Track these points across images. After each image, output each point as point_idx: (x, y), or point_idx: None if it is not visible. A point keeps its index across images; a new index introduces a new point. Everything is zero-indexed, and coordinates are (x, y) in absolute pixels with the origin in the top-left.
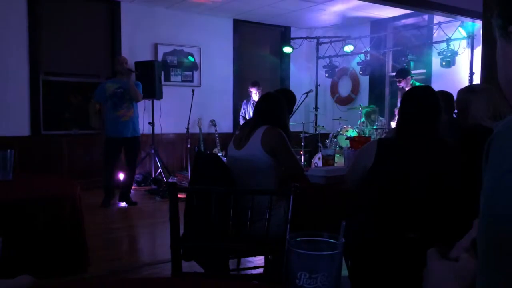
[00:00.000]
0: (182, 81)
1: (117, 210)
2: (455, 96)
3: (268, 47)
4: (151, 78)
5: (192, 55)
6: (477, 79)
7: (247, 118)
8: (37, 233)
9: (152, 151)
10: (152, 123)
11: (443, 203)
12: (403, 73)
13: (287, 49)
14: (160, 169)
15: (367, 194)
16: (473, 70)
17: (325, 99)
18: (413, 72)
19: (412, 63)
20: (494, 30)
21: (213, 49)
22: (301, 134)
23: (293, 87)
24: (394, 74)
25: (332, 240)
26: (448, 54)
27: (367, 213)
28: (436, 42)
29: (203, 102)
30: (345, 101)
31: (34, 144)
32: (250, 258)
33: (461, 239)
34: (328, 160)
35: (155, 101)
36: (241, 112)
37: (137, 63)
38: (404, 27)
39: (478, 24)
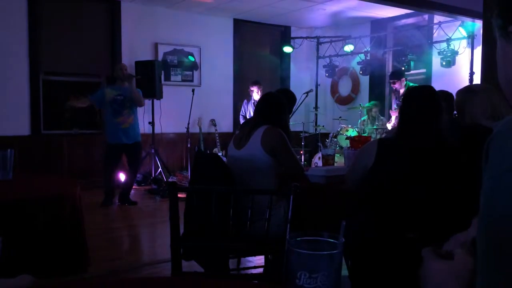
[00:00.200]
0: (182, 80)
1: (117, 210)
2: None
3: (268, 47)
4: (151, 77)
5: (192, 55)
6: (477, 79)
7: (248, 117)
8: (37, 233)
9: (152, 151)
10: (152, 123)
11: (442, 203)
12: (398, 74)
13: (287, 49)
14: (160, 169)
15: (367, 194)
16: (473, 70)
17: (325, 98)
18: (413, 72)
19: (412, 63)
20: (494, 30)
21: (213, 48)
22: (301, 134)
23: (293, 86)
24: None
25: (332, 240)
26: (448, 54)
27: (367, 213)
28: (436, 42)
29: (203, 102)
30: (345, 101)
31: (34, 144)
32: (250, 258)
33: (458, 234)
34: (328, 159)
35: (155, 100)
36: (241, 112)
37: (137, 63)
38: (404, 27)
39: (479, 24)
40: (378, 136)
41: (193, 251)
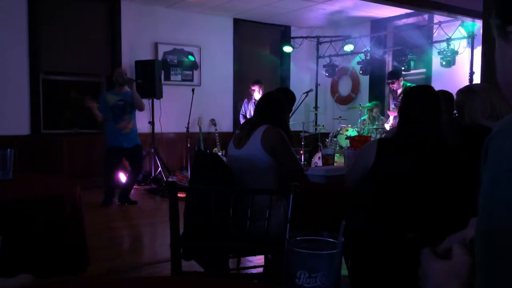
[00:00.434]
0: (182, 80)
1: (117, 210)
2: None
3: (268, 47)
4: (151, 77)
5: (192, 54)
6: (477, 79)
7: (248, 117)
8: (37, 233)
9: (152, 150)
10: (152, 122)
11: (442, 203)
12: (396, 74)
13: (287, 49)
14: (160, 168)
15: (367, 194)
16: (473, 70)
17: (325, 98)
18: (413, 71)
19: (412, 63)
20: (493, 30)
21: (213, 48)
22: (301, 134)
23: (293, 86)
24: None
25: (332, 240)
26: (448, 54)
27: (367, 213)
28: (436, 41)
29: (203, 102)
30: (345, 101)
31: (34, 143)
32: (250, 258)
33: (455, 234)
34: (328, 159)
35: (155, 100)
36: (241, 111)
37: (137, 62)
38: (404, 27)
39: (478, 23)
40: (378, 136)
41: (193, 251)
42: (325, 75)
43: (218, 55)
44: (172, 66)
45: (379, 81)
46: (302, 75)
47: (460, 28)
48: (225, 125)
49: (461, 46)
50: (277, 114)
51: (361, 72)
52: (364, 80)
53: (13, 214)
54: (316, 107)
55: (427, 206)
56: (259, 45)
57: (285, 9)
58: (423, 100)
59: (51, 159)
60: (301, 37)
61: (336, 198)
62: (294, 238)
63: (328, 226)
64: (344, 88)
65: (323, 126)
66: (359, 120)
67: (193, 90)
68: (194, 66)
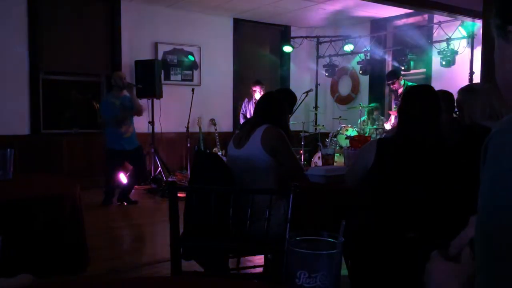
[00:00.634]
0: (182, 80)
1: (117, 210)
2: (455, 96)
3: (268, 46)
4: (151, 77)
5: (192, 54)
6: (477, 79)
7: (248, 116)
8: (37, 233)
9: (152, 150)
10: (152, 122)
11: (442, 203)
12: (395, 74)
13: (287, 48)
14: (160, 168)
15: (367, 194)
16: (473, 70)
17: (325, 98)
18: (413, 71)
19: (412, 63)
20: (492, 30)
21: (213, 48)
22: (301, 134)
23: (293, 86)
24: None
25: (332, 240)
26: (448, 54)
27: (367, 213)
28: (436, 41)
29: (203, 101)
30: (345, 101)
31: (34, 143)
32: (249, 258)
33: (456, 238)
34: (328, 159)
35: (155, 100)
36: (241, 110)
37: (137, 62)
38: (404, 27)
39: (478, 23)
40: (378, 136)
41: (193, 251)
42: (325, 75)
43: (218, 55)
44: (172, 66)
45: (379, 81)
46: (302, 75)
47: (460, 28)
48: (225, 125)
49: (461, 46)
50: (276, 114)
51: (361, 72)
52: (364, 80)
53: (13, 214)
54: (316, 107)
55: (427, 206)
56: (259, 45)
57: (285, 9)
58: (423, 100)
59: (51, 159)
60: (301, 37)
61: (336, 198)
62: (294, 238)
63: (328, 226)
64: (344, 88)
65: (323, 126)
66: (359, 121)
67: (193, 90)
68: (194, 66)
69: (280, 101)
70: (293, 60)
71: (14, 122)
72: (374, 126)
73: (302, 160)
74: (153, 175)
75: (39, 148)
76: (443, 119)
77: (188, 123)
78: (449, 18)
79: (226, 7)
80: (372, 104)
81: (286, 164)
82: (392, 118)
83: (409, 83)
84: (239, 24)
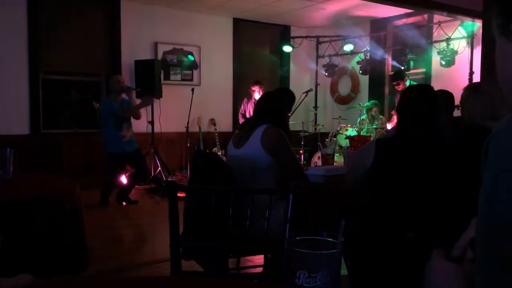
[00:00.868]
0: (182, 80)
1: (117, 209)
2: (455, 96)
3: (268, 46)
4: (151, 77)
5: (192, 54)
6: (476, 79)
7: (247, 116)
8: (36, 232)
9: (152, 150)
10: (151, 122)
11: (442, 203)
12: (400, 75)
13: (287, 48)
14: (159, 168)
15: (367, 194)
16: (473, 70)
17: (324, 98)
18: (413, 71)
19: (411, 63)
20: (494, 30)
21: (213, 48)
22: (300, 133)
23: (292, 86)
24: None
25: (332, 239)
26: (448, 54)
27: (366, 213)
28: (436, 41)
29: (202, 101)
30: (345, 100)
31: (33, 143)
32: (249, 257)
33: (460, 239)
34: (327, 159)
35: (154, 100)
36: (241, 110)
37: (137, 62)
38: (404, 26)
39: (478, 23)
40: (378, 136)
41: (193, 251)
42: (325, 74)
43: (217, 54)
44: (172, 66)
45: (378, 81)
46: (302, 75)
47: (459, 28)
48: (225, 124)
49: (461, 46)
50: (276, 114)
51: (360, 72)
52: (364, 80)
53: (13, 214)
54: (315, 107)
55: (427, 206)
56: (259, 45)
57: (284, 8)
58: (421, 99)
59: (51, 159)
60: (300, 36)
61: (336, 198)
62: (294, 238)
63: (328, 226)
64: (344, 87)
65: (322, 125)
66: (358, 120)
67: (192, 89)
68: (194, 65)
69: (279, 100)
70: (293, 60)
71: (14, 122)
72: (373, 126)
73: (302, 160)
74: (153, 175)
75: (39, 148)
76: (443, 119)
77: (187, 123)
78: (449, 18)
79: (226, 7)
80: (371, 102)
81: (286, 164)
82: (395, 118)
83: (414, 83)
84: (239, 24)
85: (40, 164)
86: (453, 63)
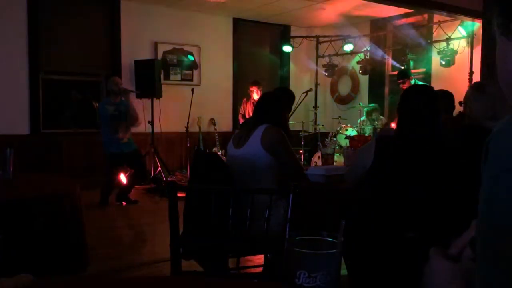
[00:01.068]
0: (182, 79)
1: (117, 209)
2: (455, 95)
3: (267, 46)
4: (150, 76)
5: (192, 54)
6: (476, 78)
7: (246, 116)
8: (36, 232)
9: (152, 150)
10: (151, 122)
11: (442, 203)
12: (405, 74)
13: (286, 48)
14: (159, 168)
15: (366, 194)
16: (473, 69)
17: (324, 98)
18: (412, 71)
19: (411, 62)
20: (494, 29)
21: (212, 48)
22: (300, 133)
23: (292, 86)
24: (394, 73)
25: (332, 239)
26: (448, 53)
27: (366, 213)
28: (436, 41)
29: (202, 101)
30: (345, 100)
31: (33, 143)
32: (249, 257)
33: (459, 238)
34: (327, 159)
35: (154, 99)
36: (240, 110)
37: (136, 62)
38: (404, 26)
39: (478, 23)
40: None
41: (193, 251)
42: (325, 74)
43: (217, 54)
44: (172, 66)
45: (378, 80)
46: (302, 75)
47: (459, 27)
48: (225, 124)
49: (461, 46)
50: (276, 114)
51: (360, 71)
52: (364, 80)
53: (13, 214)
54: (315, 107)
55: (427, 206)
56: (259, 45)
57: (284, 8)
58: (422, 99)
59: (50, 158)
60: (300, 36)
61: (336, 197)
62: (294, 237)
63: (328, 226)
64: (344, 87)
65: (322, 125)
66: (359, 120)
67: (192, 89)
68: (194, 65)
69: (279, 100)
70: (292, 59)
71: (14, 121)
72: (374, 126)
73: (302, 159)
74: (152, 175)
75: (39, 148)
76: (443, 119)
77: (187, 122)
78: (448, 18)
79: (226, 7)
80: (371, 105)
81: (286, 163)
82: None
83: (420, 83)
84: (239, 23)
85: (40, 164)
86: (453, 63)
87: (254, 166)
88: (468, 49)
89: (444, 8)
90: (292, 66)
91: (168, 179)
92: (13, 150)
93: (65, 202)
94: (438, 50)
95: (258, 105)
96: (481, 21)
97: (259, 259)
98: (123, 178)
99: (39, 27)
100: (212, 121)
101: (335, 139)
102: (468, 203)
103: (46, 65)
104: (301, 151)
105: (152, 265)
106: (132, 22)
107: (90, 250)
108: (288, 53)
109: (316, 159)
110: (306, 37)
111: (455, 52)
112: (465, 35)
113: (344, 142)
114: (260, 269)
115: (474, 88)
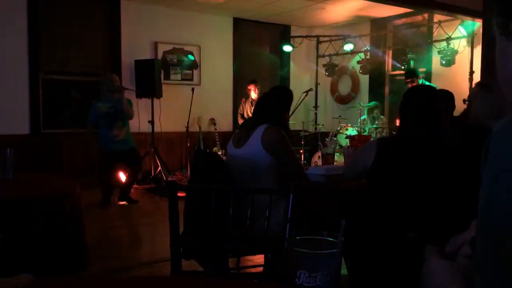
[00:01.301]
0: (182, 79)
1: (117, 209)
2: (455, 95)
3: (268, 46)
4: (151, 76)
5: (192, 54)
6: (477, 78)
7: (245, 116)
8: (36, 232)
9: (152, 150)
10: (151, 122)
11: (442, 203)
12: (414, 73)
13: (287, 48)
14: (159, 168)
15: (367, 194)
16: (473, 69)
17: (325, 97)
18: None
19: (412, 62)
20: (494, 30)
21: (213, 47)
22: (301, 133)
23: (293, 85)
24: (394, 73)
25: (332, 239)
26: (448, 53)
27: (367, 213)
28: (436, 41)
29: (202, 101)
30: (345, 100)
31: (33, 143)
32: (249, 257)
33: (459, 235)
34: (328, 158)
35: (154, 99)
36: (239, 110)
37: (136, 62)
38: (404, 26)
39: (478, 23)
40: (378, 136)
41: (193, 251)
42: (325, 74)
43: (217, 54)
44: (172, 65)
45: (379, 80)
46: (302, 74)
47: (460, 27)
48: (225, 124)
49: (461, 45)
50: (276, 113)
51: (360, 71)
52: (364, 80)
53: (13, 214)
54: (316, 106)
55: (427, 206)
56: (259, 44)
57: (285, 8)
58: (423, 99)
59: (50, 158)
60: (300, 36)
61: (336, 197)
62: (294, 237)
63: (328, 226)
64: (344, 87)
65: (322, 125)
66: (359, 120)
67: (192, 89)
68: (194, 65)
69: (280, 100)
70: (293, 59)
71: (14, 121)
72: (374, 126)
73: (302, 159)
74: (153, 174)
75: (39, 147)
76: (444, 119)
77: (188, 122)
78: (449, 18)
79: (226, 7)
80: (372, 103)
81: (286, 163)
82: None
83: (427, 83)
84: (239, 23)
85: (40, 164)
86: (453, 63)
87: (254, 166)
88: (468, 49)
89: (444, 8)
90: (292, 65)
91: (168, 179)
92: (13, 150)
93: (65, 202)
94: (439, 49)
95: (258, 105)
96: (481, 20)
97: (259, 259)
98: (122, 177)
99: (39, 27)
100: (212, 121)
101: (335, 138)
102: (468, 203)
103: (46, 65)
104: (301, 151)
105: (152, 265)
106: (132, 22)
107: (90, 250)
108: (288, 53)
109: (316, 159)
110: (306, 37)
111: (455, 52)
112: (466, 34)
113: (345, 142)
114: (260, 269)
115: (479, 86)
